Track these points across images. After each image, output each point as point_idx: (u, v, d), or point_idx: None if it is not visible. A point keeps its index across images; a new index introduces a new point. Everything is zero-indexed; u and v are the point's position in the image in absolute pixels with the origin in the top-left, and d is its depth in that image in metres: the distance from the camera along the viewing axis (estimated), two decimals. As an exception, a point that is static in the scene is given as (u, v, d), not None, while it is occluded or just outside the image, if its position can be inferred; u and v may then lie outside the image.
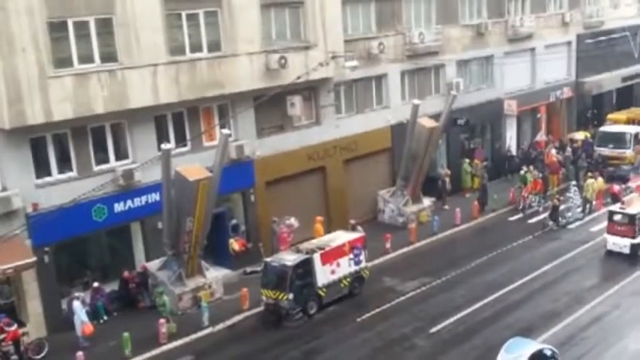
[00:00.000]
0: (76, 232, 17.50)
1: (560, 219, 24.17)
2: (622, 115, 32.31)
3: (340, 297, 18.79)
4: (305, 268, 17.85)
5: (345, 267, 18.73)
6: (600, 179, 26.01)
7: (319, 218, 21.99)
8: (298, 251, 18.47)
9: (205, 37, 19.37)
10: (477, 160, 28.46)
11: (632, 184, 25.93)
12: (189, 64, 18.83)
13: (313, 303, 18.09)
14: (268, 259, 18.39)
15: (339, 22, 22.58)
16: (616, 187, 25.93)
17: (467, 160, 28.19)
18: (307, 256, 18.02)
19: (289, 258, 17.97)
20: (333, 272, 18.42)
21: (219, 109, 20.58)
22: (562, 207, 24.55)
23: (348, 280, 18.91)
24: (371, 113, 25.00)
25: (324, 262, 18.17)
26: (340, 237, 19.44)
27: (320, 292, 18.19)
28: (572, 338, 16.37)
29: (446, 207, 25.80)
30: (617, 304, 18.09)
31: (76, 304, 16.64)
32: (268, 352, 16.50)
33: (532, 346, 14.00)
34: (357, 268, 19.08)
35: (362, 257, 19.27)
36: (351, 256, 18.89)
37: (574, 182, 26.05)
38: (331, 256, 18.41)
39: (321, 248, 18.47)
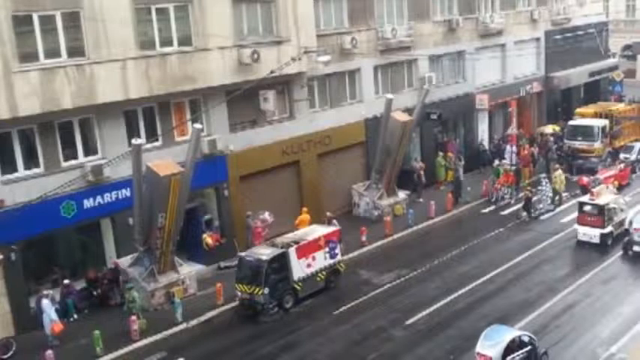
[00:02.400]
0: (44, 229, 17.12)
1: (532, 210, 24.51)
2: (590, 109, 32.84)
3: (316, 291, 18.70)
4: (280, 262, 17.72)
5: (320, 261, 18.66)
6: (560, 171, 26.53)
7: (305, 209, 21.95)
8: (274, 245, 18.35)
9: (176, 31, 19.16)
10: (450, 153, 28.70)
11: (600, 176, 26.39)
12: (159, 58, 18.59)
13: (289, 297, 17.98)
14: (243, 254, 18.24)
15: (311, 18, 22.52)
16: (585, 179, 26.44)
17: (441, 154, 28.40)
18: (282, 250, 17.92)
19: (264, 252, 17.85)
20: (308, 266, 18.34)
21: (190, 104, 20.33)
22: (535, 198, 24.90)
23: (324, 273, 18.83)
24: (344, 107, 25.02)
25: (299, 256, 18.08)
26: (315, 231, 19.37)
27: (296, 286, 18.07)
28: (546, 327, 16.57)
29: (420, 200, 25.95)
30: (588, 293, 18.38)
31: (45, 302, 16.25)
32: (243, 347, 16.33)
33: (510, 332, 14.20)
34: (332, 261, 19.03)
35: (337, 251, 19.23)
36: (327, 249, 18.83)
37: (544, 175, 26.38)
38: (307, 250, 18.32)
39: (296, 242, 18.38)
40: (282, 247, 18.06)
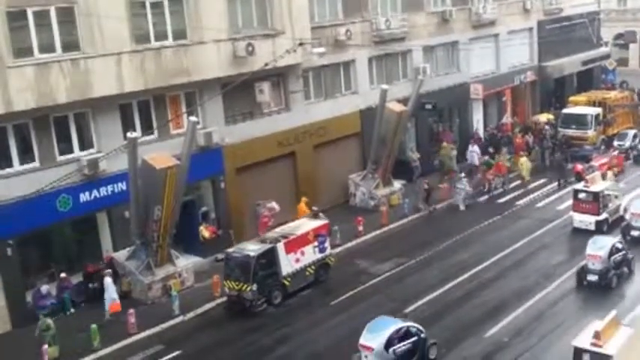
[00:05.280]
0: (40, 223, 17.07)
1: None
2: (583, 97, 33.04)
3: (305, 285, 18.46)
4: (268, 257, 17.44)
5: (309, 255, 18.41)
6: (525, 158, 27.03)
7: (305, 199, 21.98)
8: (262, 241, 18.04)
9: (170, 25, 19.14)
10: (446, 142, 28.73)
11: (594, 163, 26.56)
12: (154, 52, 18.56)
13: (278, 293, 17.72)
14: (230, 250, 17.92)
15: (305, 10, 22.55)
16: (580, 166, 26.61)
17: (444, 144, 28.17)
18: (270, 245, 17.59)
19: (252, 248, 17.51)
20: (297, 261, 18.09)
21: (186, 97, 20.32)
22: (458, 197, 24.68)
23: (313, 268, 18.58)
24: (340, 98, 25.05)
25: (288, 251, 17.83)
26: (304, 225, 19.10)
27: (284, 282, 17.83)
28: (543, 313, 16.67)
29: (416, 189, 25.97)
30: (584, 280, 18.48)
31: (108, 280, 16.81)
32: (241, 340, 16.34)
33: (395, 324, 14.16)
34: (322, 255, 18.80)
35: (327, 244, 18.99)
36: (316, 243, 18.58)
37: (463, 174, 25.79)
38: (295, 244, 18.07)
39: (284, 237, 18.09)
40: (270, 243, 17.76)
